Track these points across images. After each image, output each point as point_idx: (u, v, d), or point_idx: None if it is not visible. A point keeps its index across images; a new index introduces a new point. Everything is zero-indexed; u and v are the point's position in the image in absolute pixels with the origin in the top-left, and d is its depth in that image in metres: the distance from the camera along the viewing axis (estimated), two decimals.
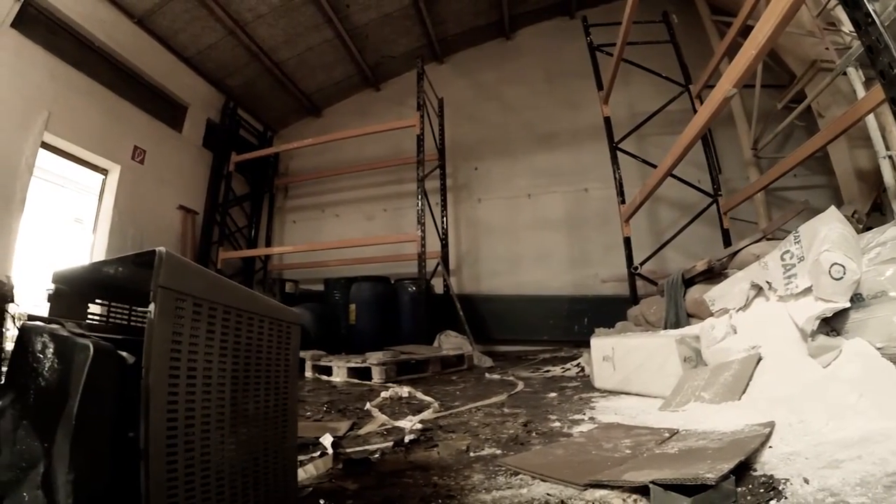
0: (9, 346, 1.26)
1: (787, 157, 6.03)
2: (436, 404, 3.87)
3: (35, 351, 1.24)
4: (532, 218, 10.92)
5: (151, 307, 1.15)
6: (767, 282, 3.52)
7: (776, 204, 8.52)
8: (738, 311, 3.78)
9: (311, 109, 13.75)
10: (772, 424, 2.35)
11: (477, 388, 5.05)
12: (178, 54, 10.80)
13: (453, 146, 11.72)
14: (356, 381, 5.75)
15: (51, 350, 1.21)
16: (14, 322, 1.37)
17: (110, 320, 1.75)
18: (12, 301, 1.21)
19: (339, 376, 5.97)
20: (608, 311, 8.38)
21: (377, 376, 5.66)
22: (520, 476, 2.04)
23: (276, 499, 1.58)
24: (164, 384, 1.14)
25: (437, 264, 9.91)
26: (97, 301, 1.74)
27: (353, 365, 5.97)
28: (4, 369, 1.33)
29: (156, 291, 1.16)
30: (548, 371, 6.18)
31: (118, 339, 1.31)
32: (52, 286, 1.60)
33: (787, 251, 3.35)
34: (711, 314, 4.20)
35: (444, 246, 10.81)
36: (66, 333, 1.19)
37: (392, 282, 9.47)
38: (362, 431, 3.01)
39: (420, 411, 3.60)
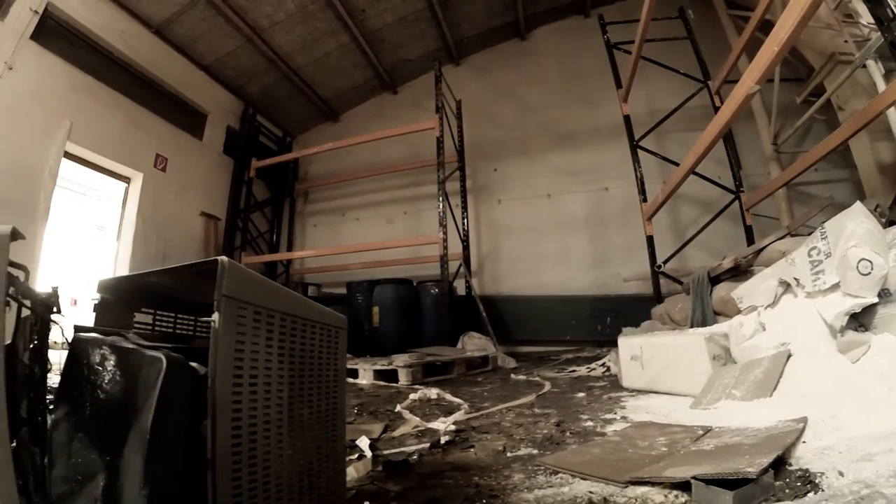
0: (52, 355, 1.26)
1: (809, 152, 5.98)
2: (466, 406, 3.89)
3: (92, 363, 1.24)
4: (552, 218, 10.90)
5: (215, 316, 1.16)
6: (795, 278, 3.52)
7: (797, 199, 8.45)
8: (766, 308, 3.77)
9: (329, 114, 13.84)
10: (804, 420, 2.35)
11: (504, 389, 5.06)
12: (197, 62, 10.93)
13: (472, 148, 11.72)
14: (383, 383, 5.77)
15: (111, 362, 1.20)
16: (63, 333, 1.35)
17: (155, 329, 1.78)
18: (59, 312, 1.20)
19: (365, 379, 6.00)
20: (631, 311, 8.38)
21: (403, 378, 5.68)
22: (559, 475, 2.05)
23: (328, 502, 1.60)
24: (229, 393, 1.16)
25: (459, 266, 9.93)
26: (142, 310, 1.76)
27: (379, 367, 5.99)
28: (54, 381, 1.31)
29: (220, 300, 1.17)
30: (573, 371, 6.17)
31: (169, 347, 1.30)
32: (98, 296, 1.61)
33: (814, 247, 3.35)
34: (739, 312, 4.19)
35: (466, 247, 10.81)
36: (130, 345, 1.19)
37: (414, 284, 9.50)
38: (396, 433, 3.04)
39: (451, 413, 3.63)
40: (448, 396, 4.39)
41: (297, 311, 1.49)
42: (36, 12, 7.49)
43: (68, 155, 8.18)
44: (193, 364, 1.14)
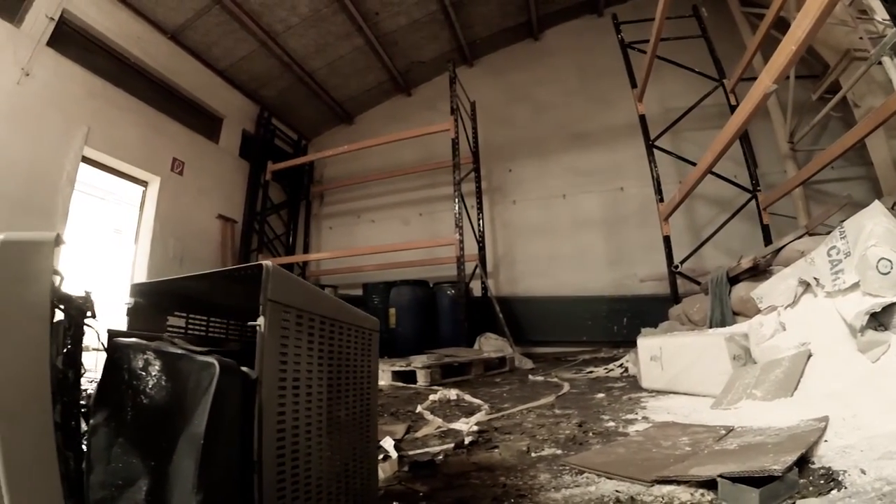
0: (85, 359, 1.26)
1: (826, 150, 5.95)
2: (486, 406, 3.91)
3: (134, 368, 1.24)
4: (568, 218, 10.91)
5: (261, 320, 1.18)
6: (815, 278, 3.51)
7: (814, 197, 8.39)
8: (786, 307, 3.76)
9: (344, 117, 13.93)
10: (826, 419, 2.36)
11: (523, 390, 5.08)
12: (212, 67, 11.05)
13: (486, 148, 11.74)
14: (401, 384, 5.80)
15: (156, 367, 1.21)
16: (98, 338, 1.36)
17: (188, 332, 1.80)
18: (94, 316, 1.22)
19: (383, 380, 6.02)
20: (648, 311, 8.35)
21: (422, 379, 5.71)
22: (585, 475, 2.07)
23: (361, 501, 1.62)
24: (275, 395, 1.19)
25: (476, 267, 9.96)
26: (175, 314, 1.77)
27: (397, 368, 6.02)
28: (89, 386, 1.30)
29: (265, 305, 1.19)
30: (591, 372, 6.18)
31: (218, 351, 1.30)
32: (131, 300, 1.62)
33: (834, 247, 3.34)
34: (758, 312, 4.19)
35: (481, 248, 10.85)
36: (178, 351, 1.20)
37: (430, 285, 9.53)
38: (419, 434, 3.06)
39: (471, 413, 3.64)
40: (468, 397, 4.40)
41: (334, 314, 1.51)
42: (52, 19, 7.60)
43: (86, 159, 8.32)
44: (245, 368, 1.15)
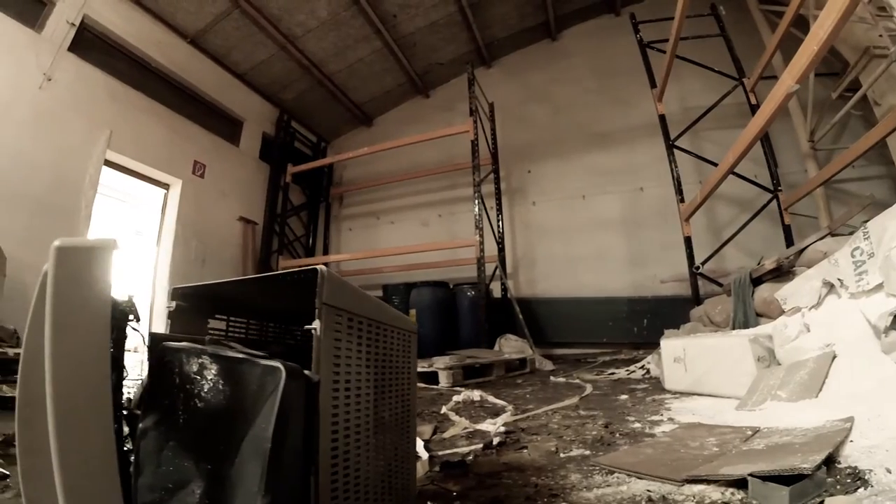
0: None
1: (847, 150, 5.92)
2: (510, 408, 3.94)
3: (187, 372, 1.26)
4: (587, 219, 10.88)
5: (317, 324, 1.20)
6: (839, 279, 3.51)
7: (834, 197, 8.29)
8: (810, 309, 3.76)
9: (363, 119, 14.02)
10: (851, 420, 2.36)
11: (545, 392, 5.09)
12: (232, 71, 11.18)
13: (505, 149, 11.75)
14: (423, 385, 5.81)
15: (213, 371, 1.22)
16: (144, 341, 1.39)
17: (228, 334, 1.84)
18: (137, 319, 1.24)
19: None
20: (668, 312, 8.33)
21: (444, 380, 5.74)
22: (615, 475, 2.09)
23: (402, 501, 1.65)
24: (330, 398, 1.21)
25: (496, 268, 9.96)
26: (216, 316, 1.80)
27: (419, 369, 6.03)
28: (129, 390, 1.30)
29: (320, 308, 1.21)
30: (612, 373, 6.18)
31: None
32: (172, 303, 1.64)
33: (857, 247, 3.34)
34: (781, 313, 4.19)
35: (501, 249, 10.85)
36: (238, 355, 1.21)
37: (450, 286, 9.57)
38: (446, 435, 3.09)
39: (496, 415, 3.68)
40: (491, 398, 4.43)
41: (379, 316, 1.54)
42: (73, 24, 7.75)
43: (108, 163, 8.46)
44: (307, 372, 1.17)
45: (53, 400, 0.90)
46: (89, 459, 0.94)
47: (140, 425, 1.27)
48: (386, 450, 1.53)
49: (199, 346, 1.28)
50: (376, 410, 1.47)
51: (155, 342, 1.37)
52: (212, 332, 1.78)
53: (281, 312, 1.96)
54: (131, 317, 1.21)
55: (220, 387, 1.21)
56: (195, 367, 1.24)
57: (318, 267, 1.25)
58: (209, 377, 1.22)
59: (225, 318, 1.84)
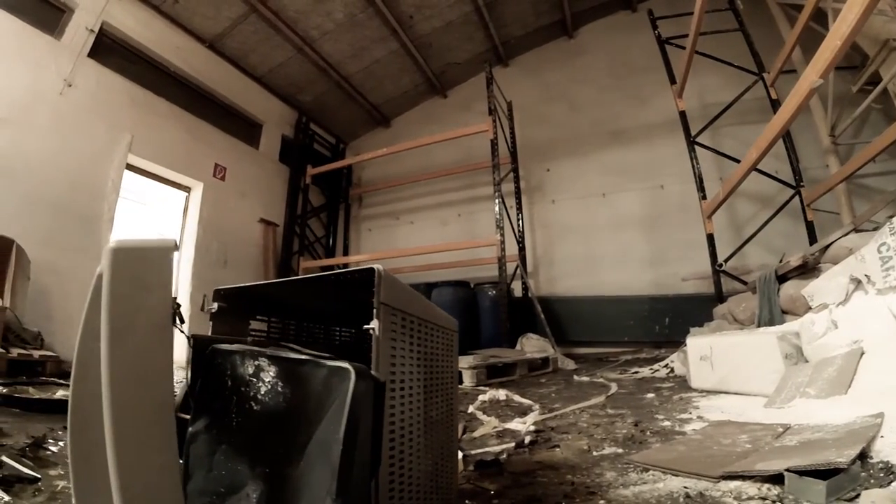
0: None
1: (870, 144, 5.86)
2: (537, 406, 3.96)
3: (241, 374, 1.26)
4: (607, 217, 10.84)
5: (375, 324, 1.20)
6: (866, 275, 3.50)
7: (856, 192, 8.15)
8: (837, 305, 3.75)
9: (381, 120, 14.09)
10: (881, 415, 2.37)
11: (570, 391, 5.11)
12: (250, 74, 11.29)
13: (524, 148, 11.73)
14: None
15: (271, 373, 1.22)
16: (190, 343, 1.39)
17: (269, 335, 1.85)
18: (182, 321, 1.25)
19: None
20: (690, 311, 8.31)
21: (468, 380, 5.76)
22: (650, 472, 2.11)
23: (446, 499, 1.67)
24: (387, 397, 1.20)
25: (516, 267, 9.97)
26: (257, 317, 1.82)
27: None
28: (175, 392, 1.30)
29: (378, 308, 1.21)
30: (636, 372, 6.18)
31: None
32: (214, 304, 1.65)
33: (884, 243, 3.33)
34: (808, 310, 4.17)
35: (522, 248, 10.87)
36: (302, 356, 1.20)
37: (471, 286, 9.58)
38: (476, 434, 3.12)
39: (523, 414, 3.70)
40: (517, 398, 4.45)
41: (427, 315, 1.55)
42: (91, 31, 7.86)
43: (130, 167, 8.57)
44: (374, 373, 1.15)
45: (112, 407, 0.87)
46: (150, 469, 0.91)
47: (189, 429, 1.27)
48: (433, 449, 1.54)
49: (257, 349, 1.29)
50: (426, 410, 1.48)
51: (198, 344, 1.38)
52: (253, 333, 1.80)
53: (321, 313, 1.98)
54: (176, 319, 1.22)
55: (280, 389, 1.21)
56: (251, 370, 1.25)
57: (374, 266, 1.26)
58: (267, 379, 1.22)
59: (266, 318, 1.85)
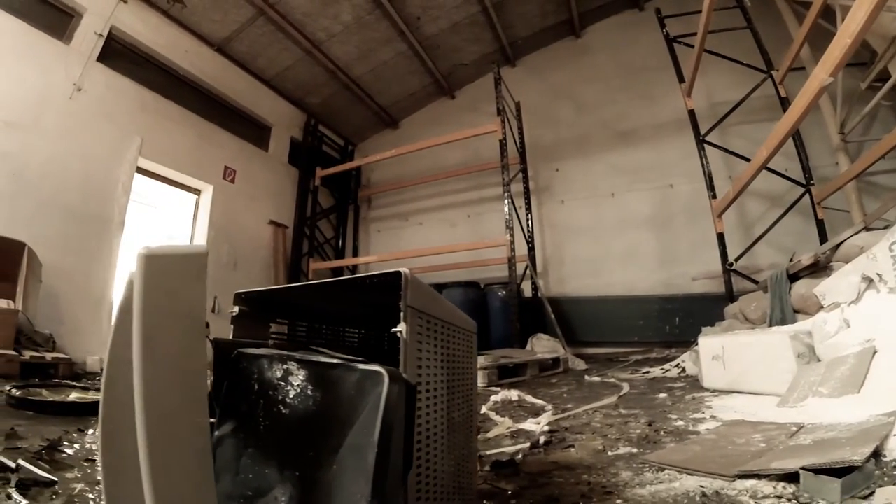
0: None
1: (881, 141, 5.84)
2: (549, 407, 3.97)
3: (268, 378, 1.25)
4: (617, 217, 10.82)
5: (402, 327, 1.20)
6: (877, 273, 3.51)
7: (866, 190, 8.12)
8: (849, 304, 3.75)
9: (389, 121, 14.13)
10: (895, 414, 2.38)
11: (581, 391, 5.13)
12: (259, 77, 11.33)
13: (532, 148, 11.74)
14: None
15: (300, 376, 1.21)
16: (214, 347, 1.39)
17: (291, 338, 1.85)
18: (206, 326, 1.22)
19: None
20: (700, 310, 8.32)
21: (480, 381, 5.74)
22: (666, 471, 2.13)
23: (467, 500, 1.68)
24: (414, 399, 1.19)
25: (526, 268, 9.98)
26: (278, 320, 1.81)
27: None
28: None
29: (406, 311, 1.21)
30: (647, 372, 6.19)
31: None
32: (235, 308, 1.64)
33: (895, 242, 3.34)
34: (819, 309, 4.18)
35: (531, 249, 10.88)
36: (333, 360, 1.20)
37: (481, 286, 9.60)
38: (490, 434, 3.14)
39: (536, 414, 3.72)
40: (529, 398, 4.47)
41: (449, 317, 1.56)
42: (100, 35, 7.92)
43: (140, 170, 8.64)
44: (405, 375, 1.15)
45: (145, 415, 0.84)
46: (186, 479, 0.89)
47: (216, 433, 1.27)
48: (455, 450, 1.55)
49: (285, 353, 1.29)
50: (449, 411, 1.49)
51: (219, 348, 1.37)
52: (274, 336, 1.79)
53: (330, 315, 1.99)
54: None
55: (310, 392, 1.21)
56: (279, 374, 1.25)
57: (401, 270, 1.26)
58: (296, 383, 1.23)
59: (286, 322, 1.85)
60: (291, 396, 1.23)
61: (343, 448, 1.10)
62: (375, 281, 1.31)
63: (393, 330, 1.21)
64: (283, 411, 1.23)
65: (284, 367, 1.25)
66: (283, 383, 1.25)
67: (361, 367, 1.14)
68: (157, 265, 0.92)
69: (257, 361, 1.30)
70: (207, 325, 1.25)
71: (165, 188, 9.63)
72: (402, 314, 1.22)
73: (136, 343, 0.87)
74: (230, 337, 1.59)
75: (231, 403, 1.30)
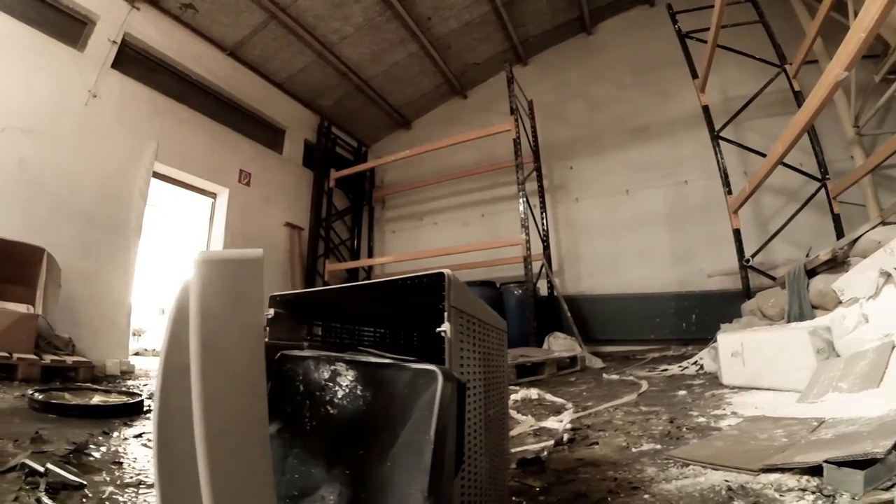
0: None
1: (895, 134, 5.84)
2: (570, 405, 4.01)
3: (315, 379, 1.28)
4: (631, 214, 10.77)
5: (447, 326, 1.23)
6: (895, 268, 3.52)
7: (881, 184, 8.02)
8: (868, 299, 3.76)
9: (402, 122, 14.16)
10: None
11: (600, 389, 5.15)
12: (272, 80, 11.40)
13: (545, 147, 11.70)
14: None
15: (349, 377, 1.24)
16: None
17: (325, 339, 1.91)
18: None
19: None
20: (716, 307, 8.29)
21: None
22: (690, 467, 2.16)
23: (501, 498, 1.71)
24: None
25: (542, 266, 9.99)
26: (314, 322, 1.87)
27: None
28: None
29: (450, 311, 1.23)
30: (665, 370, 6.19)
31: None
32: (271, 310, 1.66)
33: None
34: (838, 304, 4.19)
35: (546, 247, 10.84)
36: (383, 360, 1.23)
37: (498, 286, 9.62)
38: (514, 432, 3.16)
39: (557, 412, 3.75)
40: (549, 396, 4.50)
41: (484, 316, 1.59)
42: (114, 42, 8.01)
43: (157, 174, 8.74)
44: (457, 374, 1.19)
45: (205, 422, 0.84)
46: (246, 486, 0.89)
47: None
48: (491, 447, 1.58)
49: (333, 354, 1.33)
50: (486, 409, 1.52)
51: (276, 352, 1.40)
52: (309, 338, 1.84)
53: (362, 316, 2.02)
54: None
55: (359, 392, 1.24)
56: (327, 374, 1.29)
57: (445, 271, 1.28)
58: (344, 383, 1.26)
59: (320, 323, 1.90)
60: (340, 396, 1.26)
61: (397, 445, 1.13)
62: (419, 282, 1.33)
63: (438, 329, 1.24)
64: (331, 411, 1.26)
65: (332, 367, 1.29)
66: (330, 384, 1.28)
67: (414, 366, 1.17)
68: (215, 270, 0.93)
69: (303, 363, 1.34)
70: (266, 329, 1.29)
71: (181, 192, 9.74)
72: (446, 314, 1.25)
73: (194, 348, 0.87)
74: (267, 339, 1.60)
75: (276, 405, 1.31)
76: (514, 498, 1.98)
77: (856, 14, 4.13)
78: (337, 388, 1.27)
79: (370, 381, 1.23)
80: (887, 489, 1.66)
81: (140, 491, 2.12)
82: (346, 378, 1.26)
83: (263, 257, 1.00)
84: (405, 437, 1.12)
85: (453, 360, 1.24)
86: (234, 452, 0.88)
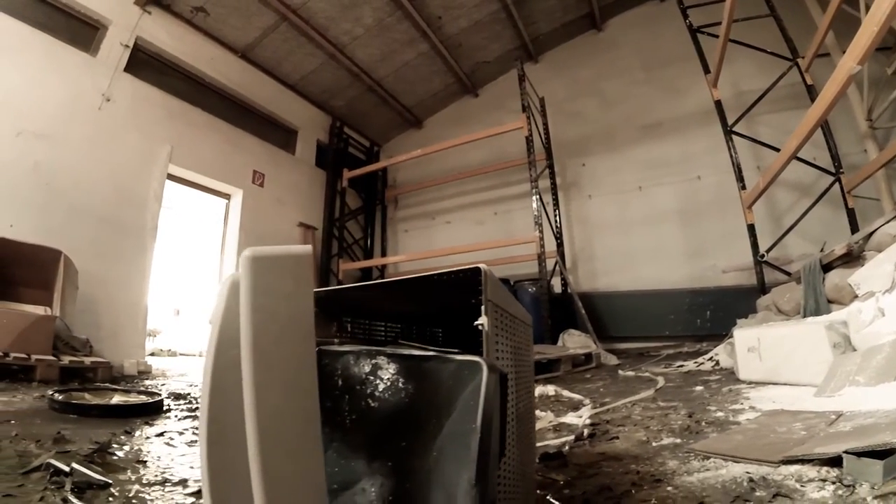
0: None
1: None
2: (588, 401, 4.04)
3: (354, 374, 1.30)
4: (645, 211, 10.76)
5: (484, 320, 1.25)
6: None
7: (895, 177, 8.11)
8: (884, 293, 3.77)
9: (413, 121, 14.24)
10: None
11: (617, 385, 5.18)
12: (284, 82, 11.52)
13: (557, 144, 11.72)
14: None
15: (390, 370, 1.26)
16: None
17: (354, 335, 1.93)
18: None
19: None
20: (731, 303, 8.27)
21: None
22: (711, 459, 2.19)
23: (528, 491, 1.73)
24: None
25: (556, 263, 10.01)
26: (344, 319, 1.90)
27: None
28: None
29: (487, 305, 1.25)
30: (681, 366, 6.19)
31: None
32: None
33: None
34: (854, 298, 4.20)
35: (560, 245, 10.84)
36: (426, 353, 1.25)
37: (512, 283, 9.65)
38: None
39: (575, 408, 3.79)
40: (566, 393, 4.53)
41: (514, 311, 1.61)
42: (126, 46, 8.13)
43: (171, 176, 8.84)
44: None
45: (257, 419, 0.84)
46: (299, 484, 0.88)
47: None
48: (521, 440, 1.60)
49: (374, 348, 1.35)
50: (517, 402, 1.55)
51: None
52: (339, 334, 1.87)
53: (389, 312, 2.06)
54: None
55: (401, 385, 1.26)
56: (367, 368, 1.30)
57: (481, 266, 1.29)
58: (385, 377, 1.28)
59: (349, 319, 1.93)
60: (381, 390, 1.28)
61: (441, 436, 1.14)
62: (455, 277, 1.34)
63: (476, 323, 1.26)
64: (372, 405, 1.28)
65: (374, 361, 1.31)
66: (371, 377, 1.30)
67: (458, 357, 1.19)
68: (264, 267, 0.92)
69: (341, 358, 1.36)
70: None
71: (195, 194, 9.84)
72: (483, 308, 1.27)
73: (244, 346, 0.87)
74: None
75: None
76: (538, 491, 2.01)
77: (867, 7, 4.13)
78: (378, 381, 1.28)
79: (413, 374, 1.25)
80: None
81: (166, 489, 2.15)
82: (388, 371, 1.28)
83: (311, 253, 1.01)
84: (450, 427, 1.14)
85: (490, 353, 1.26)
86: (286, 451, 0.88)
